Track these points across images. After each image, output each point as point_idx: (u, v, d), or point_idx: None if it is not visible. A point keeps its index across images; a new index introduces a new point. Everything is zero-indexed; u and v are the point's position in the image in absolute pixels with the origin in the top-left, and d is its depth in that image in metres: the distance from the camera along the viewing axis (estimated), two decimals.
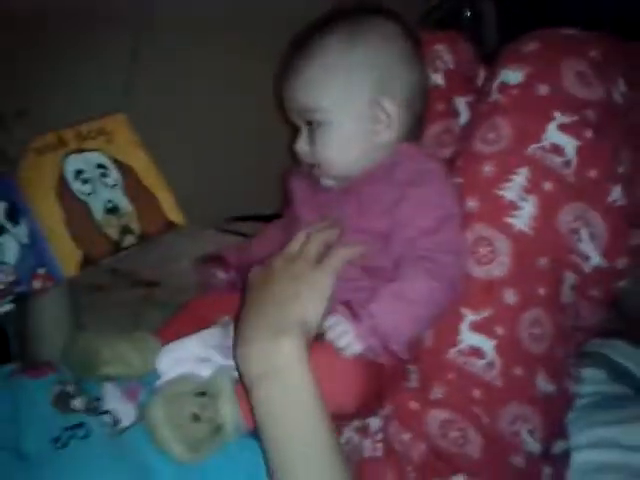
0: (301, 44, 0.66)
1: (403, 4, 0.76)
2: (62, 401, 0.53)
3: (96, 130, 0.71)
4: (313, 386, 0.51)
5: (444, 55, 0.77)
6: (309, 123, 0.65)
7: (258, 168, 1.59)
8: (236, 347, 0.54)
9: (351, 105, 0.63)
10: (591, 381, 0.75)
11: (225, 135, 1.54)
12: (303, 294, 0.55)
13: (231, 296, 0.75)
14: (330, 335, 0.57)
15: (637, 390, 0.75)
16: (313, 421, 0.50)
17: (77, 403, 0.53)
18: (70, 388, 0.55)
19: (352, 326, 0.56)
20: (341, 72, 0.63)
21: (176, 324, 0.73)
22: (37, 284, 0.63)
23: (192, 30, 1.35)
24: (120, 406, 0.54)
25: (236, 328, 0.57)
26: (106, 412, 0.53)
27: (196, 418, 0.52)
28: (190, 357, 0.59)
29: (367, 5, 0.67)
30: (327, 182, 0.68)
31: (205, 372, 0.58)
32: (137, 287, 1.10)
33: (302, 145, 0.67)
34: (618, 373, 0.78)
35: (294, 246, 0.62)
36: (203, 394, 0.53)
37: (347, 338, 0.56)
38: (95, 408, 0.54)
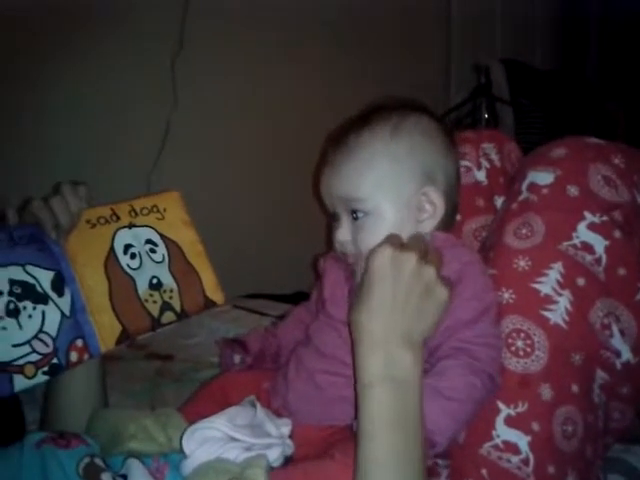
0: (345, 136, 0.67)
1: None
2: (91, 474, 0.51)
3: (150, 207, 0.71)
4: (420, 401, 0.55)
5: (491, 154, 0.79)
6: (353, 212, 0.65)
7: (273, 250, 1.63)
8: (361, 340, 0.57)
9: (399, 195, 0.64)
10: None
11: (243, 214, 1.60)
12: (431, 310, 0.57)
13: (250, 376, 0.75)
14: None
15: None
16: (413, 432, 0.54)
17: (105, 477, 0.51)
18: (99, 461, 0.53)
19: None
20: (391, 163, 0.64)
21: (197, 403, 0.72)
22: (74, 356, 0.62)
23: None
24: None
25: (358, 305, 0.58)
26: None
27: None
28: (218, 437, 0.57)
29: (403, 102, 0.70)
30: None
31: (234, 454, 0.56)
32: (151, 359, 1.08)
33: (344, 234, 0.66)
34: None
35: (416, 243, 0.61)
36: None
37: None
38: None
